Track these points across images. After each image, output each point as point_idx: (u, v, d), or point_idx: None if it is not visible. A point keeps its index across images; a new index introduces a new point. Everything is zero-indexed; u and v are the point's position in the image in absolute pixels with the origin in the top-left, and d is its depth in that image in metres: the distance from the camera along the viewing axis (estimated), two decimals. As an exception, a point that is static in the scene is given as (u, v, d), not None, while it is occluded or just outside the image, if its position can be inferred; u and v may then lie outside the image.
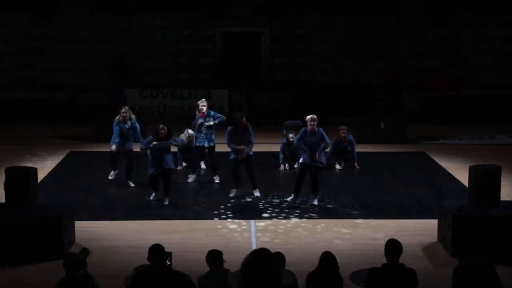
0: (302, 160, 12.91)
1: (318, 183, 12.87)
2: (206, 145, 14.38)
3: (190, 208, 12.97)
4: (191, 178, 14.60)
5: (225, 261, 7.78)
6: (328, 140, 12.80)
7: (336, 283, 7.39)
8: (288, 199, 13.06)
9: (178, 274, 7.41)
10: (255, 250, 4.91)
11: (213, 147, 14.48)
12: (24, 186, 10.54)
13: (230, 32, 25.01)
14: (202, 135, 14.30)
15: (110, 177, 14.61)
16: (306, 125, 12.83)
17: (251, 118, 13.85)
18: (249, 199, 13.40)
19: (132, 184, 14.14)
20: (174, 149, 15.61)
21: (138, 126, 14.39)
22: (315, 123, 12.66)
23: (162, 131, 12.83)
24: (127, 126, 14.14)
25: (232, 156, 13.28)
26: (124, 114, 14.15)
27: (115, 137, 14.10)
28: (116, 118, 14.24)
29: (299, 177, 12.95)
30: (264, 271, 5.92)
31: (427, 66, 23.59)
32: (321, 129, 12.73)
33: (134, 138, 14.25)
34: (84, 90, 22.37)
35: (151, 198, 13.16)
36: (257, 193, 13.52)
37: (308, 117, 12.80)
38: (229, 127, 13.37)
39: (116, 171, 14.60)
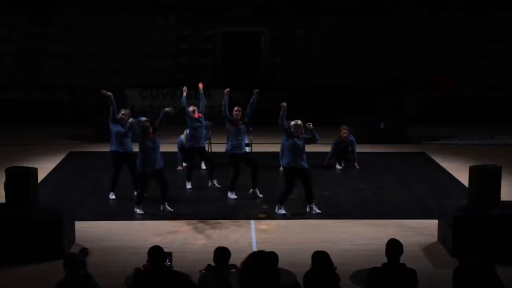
0: (285, 164, 12.35)
1: (312, 188, 12.48)
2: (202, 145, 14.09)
3: (190, 208, 12.96)
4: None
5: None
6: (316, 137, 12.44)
7: (332, 282, 7.37)
8: (282, 212, 12.52)
9: (179, 274, 7.41)
10: (254, 252, 4.94)
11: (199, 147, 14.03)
12: (24, 186, 10.53)
13: (230, 32, 25.02)
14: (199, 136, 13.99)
15: (111, 196, 13.40)
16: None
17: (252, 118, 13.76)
18: (248, 199, 13.40)
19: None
20: (174, 149, 15.66)
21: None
22: (301, 129, 12.37)
23: (150, 129, 12.20)
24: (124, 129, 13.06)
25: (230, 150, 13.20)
26: (123, 116, 13.13)
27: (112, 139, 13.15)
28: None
29: (291, 185, 12.38)
30: (263, 271, 5.92)
31: (427, 66, 23.59)
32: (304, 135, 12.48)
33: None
34: (84, 90, 22.40)
35: (138, 212, 12.39)
36: (258, 193, 13.53)
37: (293, 122, 12.50)
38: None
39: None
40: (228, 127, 13.27)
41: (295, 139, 12.33)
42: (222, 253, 7.64)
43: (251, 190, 13.54)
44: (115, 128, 13.12)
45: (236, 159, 13.24)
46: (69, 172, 15.67)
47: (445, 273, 8.91)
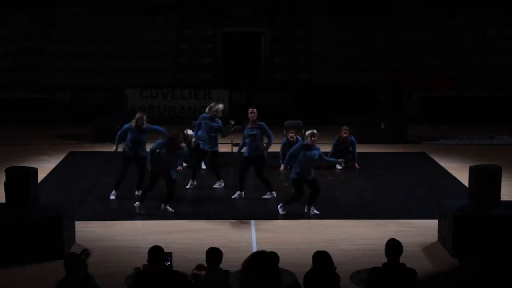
0: (295, 175, 12.19)
1: (318, 194, 12.50)
2: (207, 148, 14.06)
3: (190, 208, 12.97)
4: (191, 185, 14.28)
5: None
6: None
7: (332, 282, 7.38)
8: (283, 212, 12.53)
9: (179, 274, 7.41)
10: (255, 252, 4.95)
11: (216, 150, 14.24)
12: (24, 186, 10.54)
13: (230, 32, 25.02)
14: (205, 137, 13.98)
15: (112, 197, 13.37)
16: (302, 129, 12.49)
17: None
18: (249, 199, 13.40)
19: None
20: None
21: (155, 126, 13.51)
22: (316, 138, 12.24)
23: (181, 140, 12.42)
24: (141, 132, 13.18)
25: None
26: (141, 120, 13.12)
27: (127, 142, 13.16)
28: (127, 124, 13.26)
29: (301, 194, 12.31)
30: (264, 271, 5.92)
31: (427, 66, 23.60)
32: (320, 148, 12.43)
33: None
34: (84, 90, 22.40)
35: (138, 210, 12.51)
36: (268, 196, 13.43)
37: (309, 132, 12.35)
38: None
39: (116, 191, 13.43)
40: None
41: (312, 151, 12.14)
42: (214, 253, 7.65)
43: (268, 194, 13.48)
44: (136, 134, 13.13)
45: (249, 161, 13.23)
46: (69, 172, 15.67)
47: (445, 273, 8.91)
